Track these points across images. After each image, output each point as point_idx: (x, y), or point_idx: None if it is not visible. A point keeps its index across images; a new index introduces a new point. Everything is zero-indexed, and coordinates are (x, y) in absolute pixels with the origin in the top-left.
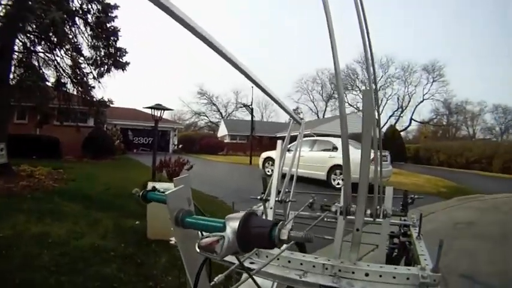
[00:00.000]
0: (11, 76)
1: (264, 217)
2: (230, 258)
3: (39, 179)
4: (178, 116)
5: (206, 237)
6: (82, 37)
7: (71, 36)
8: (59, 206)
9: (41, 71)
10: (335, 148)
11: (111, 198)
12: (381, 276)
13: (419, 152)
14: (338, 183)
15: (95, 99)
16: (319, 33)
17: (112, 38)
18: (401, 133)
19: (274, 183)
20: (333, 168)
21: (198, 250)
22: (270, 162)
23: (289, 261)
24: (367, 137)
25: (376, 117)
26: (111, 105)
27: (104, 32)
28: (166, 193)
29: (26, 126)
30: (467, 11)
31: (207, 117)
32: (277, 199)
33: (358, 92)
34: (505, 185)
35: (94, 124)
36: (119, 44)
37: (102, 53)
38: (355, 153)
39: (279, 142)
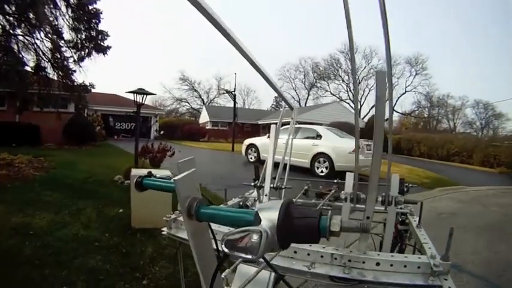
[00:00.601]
0: None
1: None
2: None
3: (19, 167)
4: (160, 102)
5: (233, 232)
6: (63, 19)
7: (51, 18)
8: (40, 195)
9: (20, 54)
10: (319, 136)
11: (93, 186)
12: (391, 265)
13: (400, 143)
14: (322, 171)
15: (75, 84)
16: (303, 20)
17: (94, 20)
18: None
19: (269, 169)
20: (317, 156)
21: (225, 249)
22: (253, 149)
23: (295, 252)
24: (379, 123)
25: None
26: (92, 91)
27: (86, 14)
28: (175, 178)
29: (5, 113)
30: (454, 5)
31: (189, 103)
32: (272, 185)
33: (341, 81)
34: (485, 178)
35: (75, 110)
36: (100, 27)
37: (83, 36)
38: (340, 142)
39: (273, 127)
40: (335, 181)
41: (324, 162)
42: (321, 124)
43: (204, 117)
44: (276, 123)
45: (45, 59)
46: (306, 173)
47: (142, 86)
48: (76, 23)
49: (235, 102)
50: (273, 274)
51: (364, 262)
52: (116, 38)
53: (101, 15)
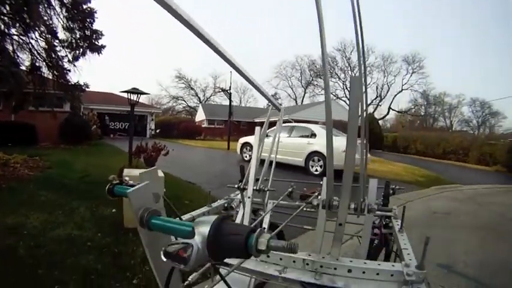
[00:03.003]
0: None
1: (241, 207)
2: None
3: (15, 167)
4: (156, 101)
5: (174, 243)
6: (57, 19)
7: (46, 18)
8: (34, 195)
9: (15, 54)
10: (313, 135)
11: (87, 186)
12: (364, 272)
13: (396, 141)
14: (316, 170)
15: (70, 83)
16: (299, 19)
17: (88, 19)
18: (380, 122)
19: (252, 171)
20: (311, 155)
21: (164, 258)
22: (248, 148)
23: (267, 256)
24: (353, 124)
25: (364, 105)
26: (87, 90)
27: (80, 14)
28: (128, 191)
29: (1, 112)
30: (452, 3)
31: (185, 101)
32: (255, 188)
33: (337, 79)
34: (481, 176)
35: (70, 109)
36: (95, 26)
37: (78, 36)
38: (334, 141)
39: (257, 128)
40: (320, 182)
41: (319, 160)
42: (316, 122)
43: (200, 115)
44: (262, 124)
45: (40, 58)
46: (300, 171)
47: (138, 84)
48: (70, 23)
49: (230, 101)
50: (253, 280)
51: (335, 268)
52: (111, 37)
53: (96, 15)
